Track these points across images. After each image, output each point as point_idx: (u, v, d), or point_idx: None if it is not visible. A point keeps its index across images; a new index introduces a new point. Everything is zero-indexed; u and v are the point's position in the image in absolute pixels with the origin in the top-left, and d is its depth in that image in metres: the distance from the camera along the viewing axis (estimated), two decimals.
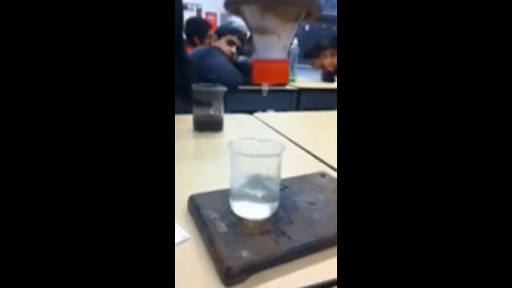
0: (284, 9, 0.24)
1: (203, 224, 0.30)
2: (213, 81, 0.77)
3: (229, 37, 1.59)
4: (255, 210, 0.32)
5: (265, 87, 0.29)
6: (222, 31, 1.65)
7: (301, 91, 1.93)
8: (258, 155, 0.30)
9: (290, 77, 2.11)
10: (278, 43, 0.25)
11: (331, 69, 2.07)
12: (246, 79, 1.61)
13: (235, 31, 1.61)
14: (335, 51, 1.96)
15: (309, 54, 2.07)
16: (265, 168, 0.31)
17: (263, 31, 0.24)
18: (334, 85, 2.18)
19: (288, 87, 1.93)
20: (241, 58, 1.78)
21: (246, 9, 0.24)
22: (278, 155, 0.31)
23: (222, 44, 1.59)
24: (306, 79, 2.30)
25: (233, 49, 1.59)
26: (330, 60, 2.00)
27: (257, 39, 0.25)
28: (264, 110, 1.05)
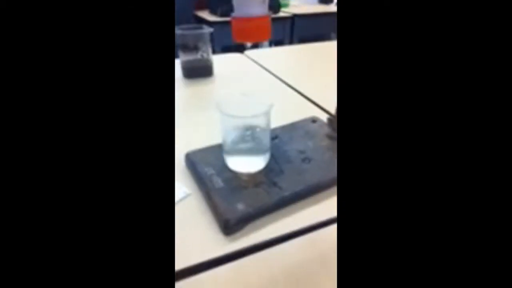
0: None
1: (201, 181, 0.33)
2: None
3: None
4: (248, 163, 0.34)
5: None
6: None
7: (295, 17, 1.79)
8: (247, 116, 0.30)
9: (283, 1, 1.94)
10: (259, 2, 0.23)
11: None
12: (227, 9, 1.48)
13: None
14: None
15: None
16: (255, 124, 0.32)
17: None
18: (331, 7, 2.01)
19: (281, 14, 1.78)
20: None
21: None
22: (267, 113, 0.31)
23: None
24: (301, 2, 2.11)
25: None
26: None
27: (237, 2, 0.23)
28: (256, 44, 0.99)
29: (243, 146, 0.34)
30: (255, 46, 0.89)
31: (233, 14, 0.24)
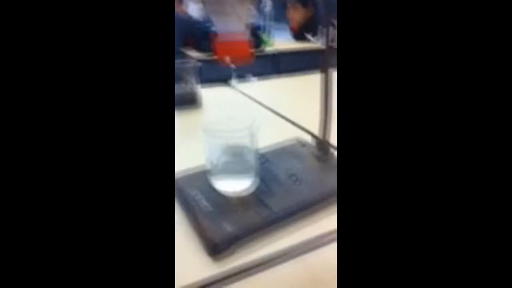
0: None
1: (188, 206, 0.32)
2: None
3: None
4: (235, 183, 0.33)
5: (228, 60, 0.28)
6: None
7: (279, 54, 1.89)
8: (229, 131, 0.31)
9: (267, 40, 2.05)
10: (238, 23, 0.24)
11: (295, 25, 2.06)
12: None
13: None
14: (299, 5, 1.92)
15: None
16: (240, 143, 0.32)
17: (222, 13, 0.24)
18: (310, 44, 2.14)
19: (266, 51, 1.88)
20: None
21: None
22: (250, 130, 0.32)
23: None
24: (284, 40, 2.24)
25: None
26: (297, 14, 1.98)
27: (217, 21, 0.24)
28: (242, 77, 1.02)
29: (229, 165, 0.34)
30: (240, 77, 0.93)
31: (213, 30, 0.25)
